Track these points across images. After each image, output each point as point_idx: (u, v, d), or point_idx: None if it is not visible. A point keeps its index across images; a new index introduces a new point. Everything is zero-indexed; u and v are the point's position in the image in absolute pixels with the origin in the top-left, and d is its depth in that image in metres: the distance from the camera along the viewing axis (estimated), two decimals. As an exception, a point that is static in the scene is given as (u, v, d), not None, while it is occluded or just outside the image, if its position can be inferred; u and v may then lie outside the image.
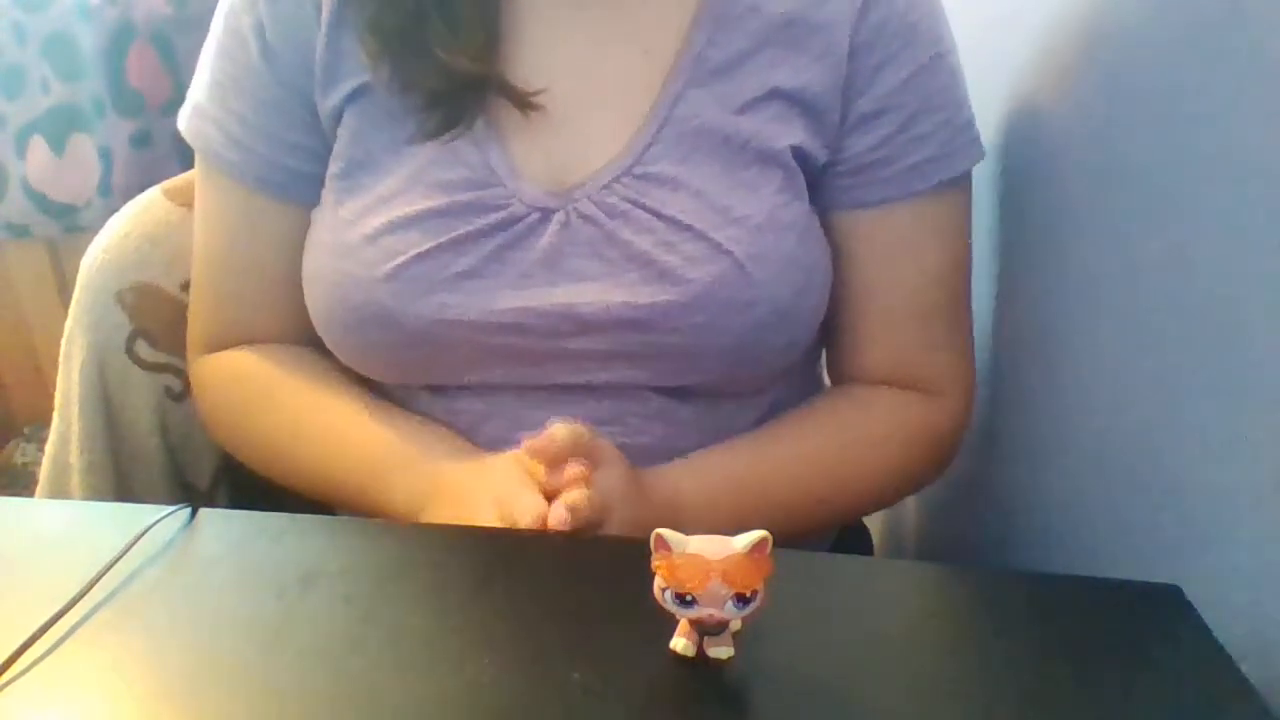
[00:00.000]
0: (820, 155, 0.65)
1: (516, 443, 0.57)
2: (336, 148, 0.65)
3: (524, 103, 0.62)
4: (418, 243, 0.61)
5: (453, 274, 0.61)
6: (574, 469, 0.54)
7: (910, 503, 1.02)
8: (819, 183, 0.66)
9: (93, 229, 0.83)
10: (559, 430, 0.55)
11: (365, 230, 0.62)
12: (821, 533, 0.74)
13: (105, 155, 1.46)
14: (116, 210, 0.80)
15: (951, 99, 0.66)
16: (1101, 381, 0.63)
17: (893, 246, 0.67)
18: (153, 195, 0.80)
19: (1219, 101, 0.52)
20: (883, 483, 0.69)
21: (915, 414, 0.69)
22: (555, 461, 0.55)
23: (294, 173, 0.67)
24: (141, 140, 1.48)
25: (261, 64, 0.65)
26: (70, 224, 1.48)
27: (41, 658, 0.43)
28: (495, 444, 0.63)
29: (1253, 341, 0.48)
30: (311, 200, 0.67)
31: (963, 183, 0.68)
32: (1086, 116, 0.67)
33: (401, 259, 0.61)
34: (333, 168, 0.65)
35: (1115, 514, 0.61)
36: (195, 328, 0.73)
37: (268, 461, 0.69)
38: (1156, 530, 0.56)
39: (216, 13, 0.68)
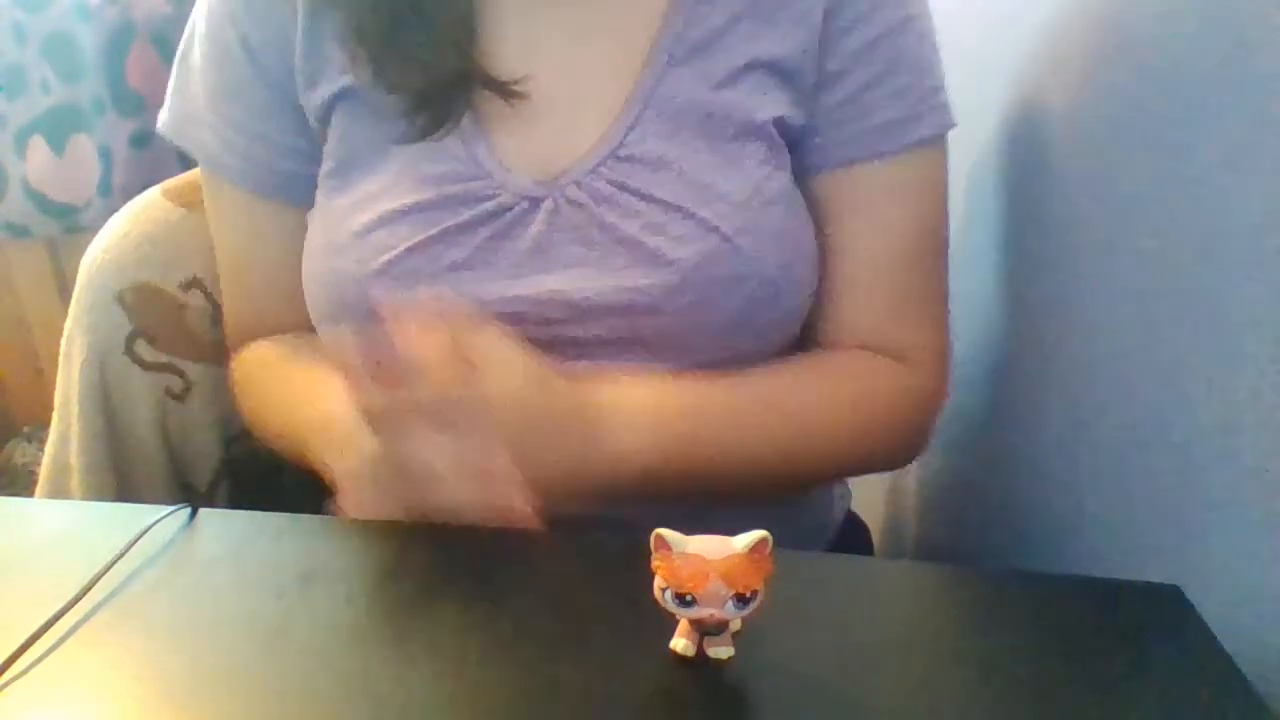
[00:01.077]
0: (800, 121, 0.65)
1: None
2: (326, 147, 0.66)
3: (508, 92, 0.62)
4: (408, 236, 0.61)
5: (444, 266, 0.61)
6: (427, 334, 0.51)
7: (910, 503, 1.02)
8: (796, 150, 0.66)
9: (93, 229, 0.83)
10: (422, 298, 0.52)
11: (355, 227, 0.63)
12: (771, 491, 0.68)
13: (105, 155, 1.46)
14: (116, 210, 0.80)
15: (919, 63, 0.66)
16: (1102, 382, 0.63)
17: (858, 209, 0.66)
18: (152, 195, 0.80)
19: (1223, 101, 0.52)
20: (840, 435, 0.65)
21: (882, 376, 0.67)
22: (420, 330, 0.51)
23: (290, 175, 0.68)
24: (141, 140, 1.48)
25: (249, 69, 0.66)
26: (70, 224, 1.48)
27: (41, 658, 0.43)
28: None
29: (1253, 341, 0.48)
30: (310, 202, 0.67)
31: (932, 149, 0.67)
32: (1091, 114, 0.67)
33: (392, 253, 0.61)
34: (324, 167, 0.66)
35: (1115, 514, 0.61)
36: (229, 331, 0.75)
37: (275, 440, 0.69)
38: (1156, 530, 0.56)
39: (193, 20, 0.68)
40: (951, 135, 0.68)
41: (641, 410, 0.59)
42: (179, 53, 0.71)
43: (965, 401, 0.84)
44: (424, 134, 0.63)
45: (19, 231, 1.47)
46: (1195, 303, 0.53)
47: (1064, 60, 0.70)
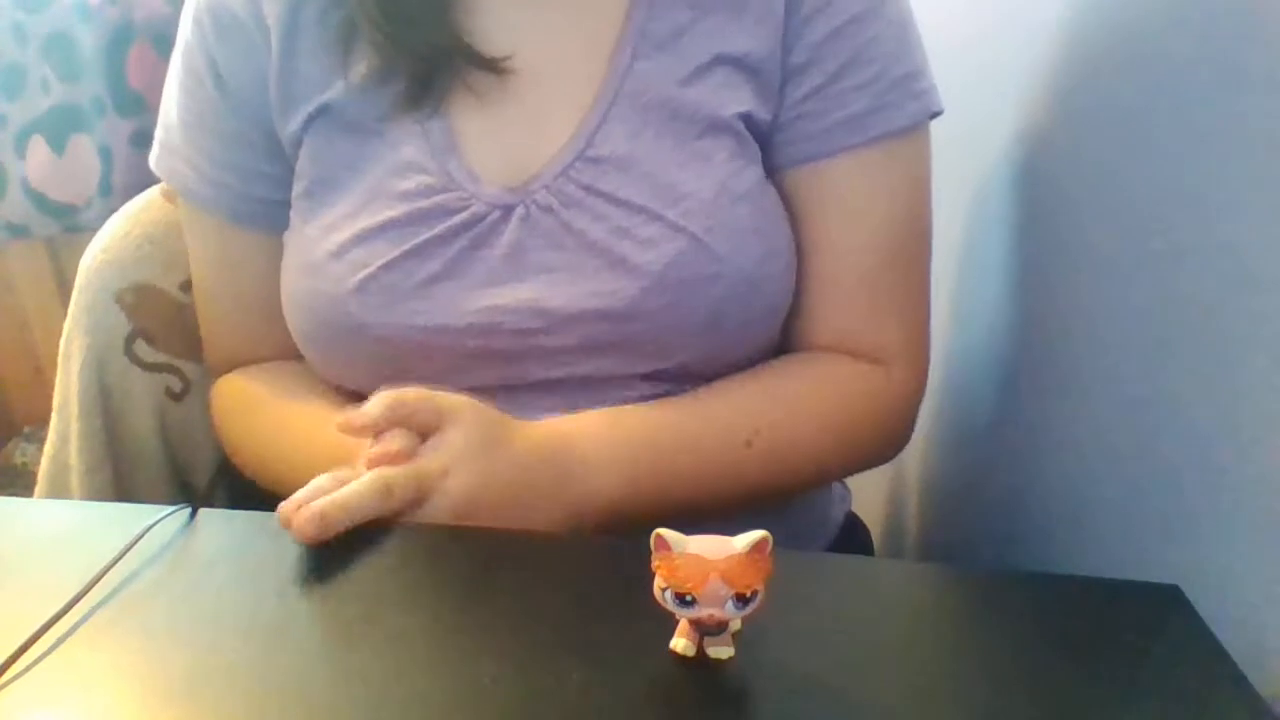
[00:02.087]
0: (768, 118, 0.64)
1: None
2: (299, 168, 0.66)
3: (495, 67, 0.62)
4: (383, 253, 0.61)
5: (420, 280, 0.61)
6: (378, 449, 0.53)
7: (912, 503, 1.02)
8: (766, 146, 0.65)
9: (93, 229, 0.83)
10: (373, 402, 0.53)
11: (330, 246, 0.63)
12: (752, 504, 0.67)
13: (105, 155, 1.46)
14: (116, 210, 0.80)
15: (886, 51, 0.63)
16: (1102, 382, 0.63)
17: (831, 206, 0.65)
18: (151, 195, 0.80)
19: (1230, 108, 0.52)
20: (815, 448, 0.65)
21: (857, 383, 0.66)
22: (376, 434, 0.54)
23: (265, 202, 0.68)
24: (141, 140, 1.48)
25: (219, 99, 0.66)
26: (70, 224, 1.48)
27: (41, 658, 0.43)
28: None
29: (1253, 343, 0.48)
30: (284, 226, 0.68)
31: (908, 139, 0.65)
32: (1098, 122, 0.67)
33: (368, 271, 0.61)
34: (296, 188, 0.66)
35: (1115, 514, 0.61)
36: (207, 355, 0.75)
37: (261, 478, 0.70)
38: (1156, 530, 0.56)
39: (174, 50, 0.69)
40: (962, 142, 0.67)
41: (609, 449, 0.59)
42: (166, 81, 0.71)
43: (968, 402, 0.84)
44: (411, 107, 0.63)
45: (19, 231, 1.47)
46: (1197, 305, 0.53)
47: (1072, 69, 0.70)
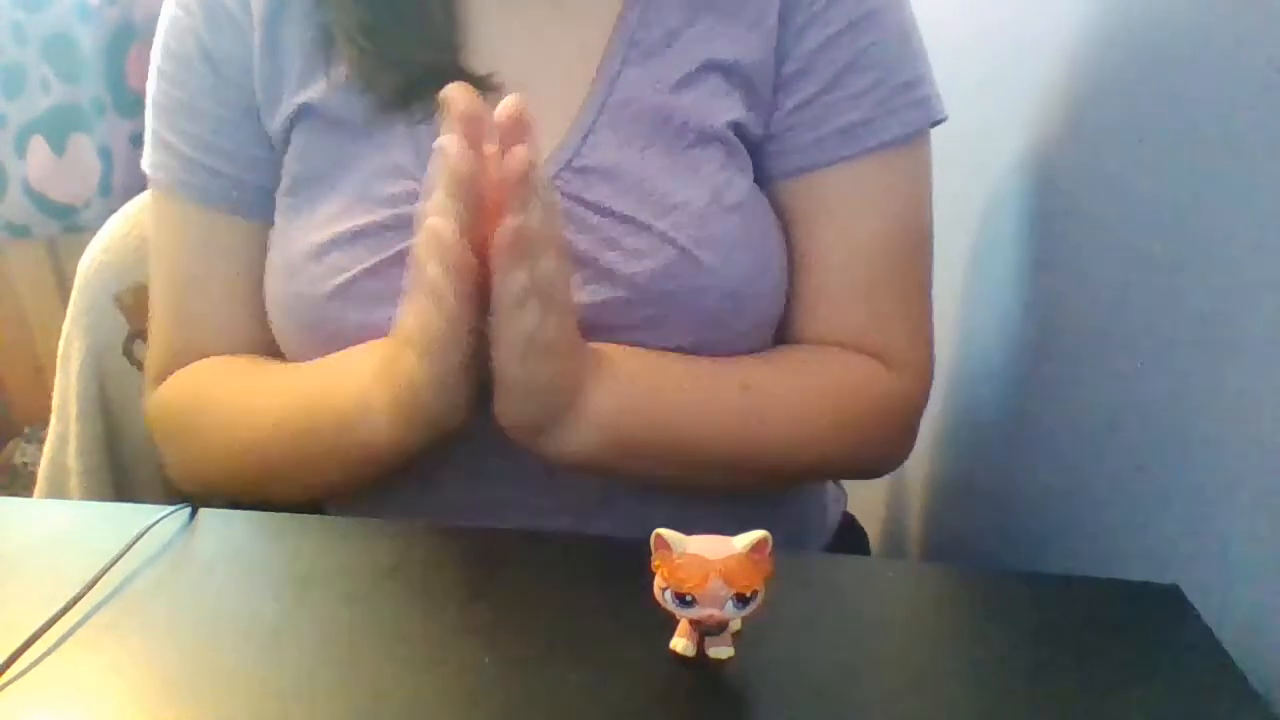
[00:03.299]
0: (759, 129, 0.63)
1: (492, 452, 0.55)
2: (285, 164, 0.65)
3: (483, 85, 0.61)
4: (363, 258, 0.60)
5: (401, 288, 0.59)
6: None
7: (910, 502, 1.02)
8: (757, 155, 0.64)
9: (92, 229, 0.83)
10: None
11: (310, 248, 0.62)
12: (748, 480, 0.65)
13: (105, 155, 1.46)
14: (116, 210, 0.80)
15: (884, 58, 0.62)
16: (1102, 382, 0.63)
17: (825, 216, 0.64)
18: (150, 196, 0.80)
19: (1232, 107, 0.52)
20: (822, 425, 0.63)
21: (863, 373, 0.65)
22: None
23: (259, 189, 0.66)
24: (141, 140, 1.48)
25: (212, 81, 0.65)
26: (70, 224, 1.48)
27: (41, 658, 0.43)
28: (466, 453, 0.60)
29: (1253, 343, 0.49)
30: (270, 218, 0.66)
31: (905, 148, 0.64)
32: (1104, 125, 0.67)
33: (347, 275, 0.60)
34: (281, 185, 0.65)
35: (1115, 514, 0.61)
36: (150, 365, 0.70)
37: (220, 468, 0.65)
38: (1156, 530, 0.56)
39: (154, 43, 0.68)
40: (969, 149, 0.66)
41: (620, 369, 0.58)
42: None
43: (969, 403, 0.84)
44: (391, 113, 0.62)
45: (19, 231, 1.47)
46: (1198, 307, 0.53)
47: (1079, 76, 0.70)
